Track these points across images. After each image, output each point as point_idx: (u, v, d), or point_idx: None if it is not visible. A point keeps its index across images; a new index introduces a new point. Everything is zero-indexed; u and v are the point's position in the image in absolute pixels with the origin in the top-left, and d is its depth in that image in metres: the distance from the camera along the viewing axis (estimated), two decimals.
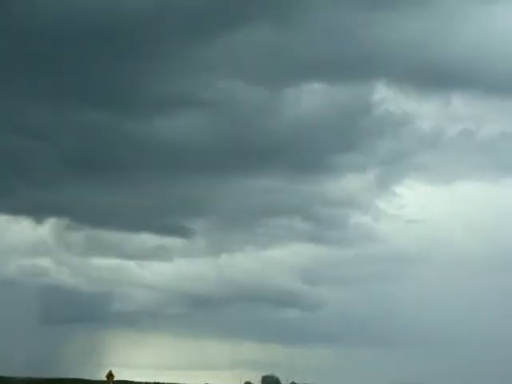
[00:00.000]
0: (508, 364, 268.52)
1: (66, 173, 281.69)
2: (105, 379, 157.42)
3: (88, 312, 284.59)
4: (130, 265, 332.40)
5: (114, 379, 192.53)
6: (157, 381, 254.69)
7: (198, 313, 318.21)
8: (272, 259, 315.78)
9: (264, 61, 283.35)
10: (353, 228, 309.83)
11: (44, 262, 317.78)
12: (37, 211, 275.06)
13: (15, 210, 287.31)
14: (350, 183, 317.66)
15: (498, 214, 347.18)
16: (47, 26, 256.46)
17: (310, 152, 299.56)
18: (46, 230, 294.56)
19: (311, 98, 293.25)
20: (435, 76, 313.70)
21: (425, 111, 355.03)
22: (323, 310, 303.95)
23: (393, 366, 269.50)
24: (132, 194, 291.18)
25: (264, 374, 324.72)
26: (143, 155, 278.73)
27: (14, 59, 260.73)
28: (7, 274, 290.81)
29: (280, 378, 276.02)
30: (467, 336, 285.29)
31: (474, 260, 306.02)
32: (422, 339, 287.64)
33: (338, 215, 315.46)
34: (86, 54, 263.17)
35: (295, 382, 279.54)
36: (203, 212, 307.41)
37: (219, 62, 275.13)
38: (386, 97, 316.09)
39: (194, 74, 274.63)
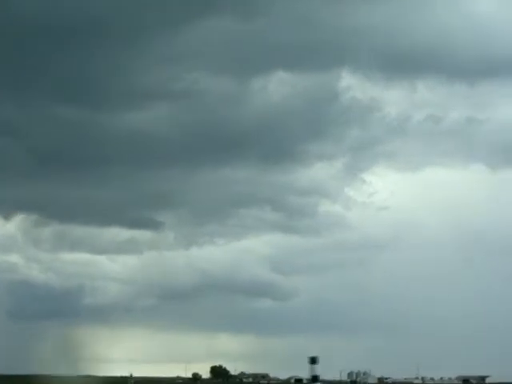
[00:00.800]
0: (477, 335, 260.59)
1: (34, 168, 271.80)
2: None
3: (59, 307, 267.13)
4: (101, 259, 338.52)
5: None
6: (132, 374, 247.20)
7: (171, 305, 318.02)
8: (243, 250, 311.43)
9: (230, 51, 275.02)
10: (323, 216, 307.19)
11: (13, 258, 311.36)
12: (4, 207, 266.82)
13: None
14: (318, 172, 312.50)
15: (465, 198, 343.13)
16: (19, 21, 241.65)
17: (278, 141, 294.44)
18: (13, 225, 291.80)
19: (278, 87, 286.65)
20: (401, 62, 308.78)
21: (391, 98, 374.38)
22: (296, 299, 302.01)
23: (363, 352, 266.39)
24: (101, 188, 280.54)
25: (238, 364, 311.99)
26: (112, 149, 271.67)
27: None
28: None
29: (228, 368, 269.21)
30: (438, 316, 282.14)
31: (442, 242, 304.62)
32: (393, 324, 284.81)
33: (308, 204, 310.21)
34: (57, 49, 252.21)
35: (244, 371, 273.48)
36: (173, 204, 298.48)
37: (186, 54, 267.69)
38: (352, 84, 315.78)
39: (163, 67, 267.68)
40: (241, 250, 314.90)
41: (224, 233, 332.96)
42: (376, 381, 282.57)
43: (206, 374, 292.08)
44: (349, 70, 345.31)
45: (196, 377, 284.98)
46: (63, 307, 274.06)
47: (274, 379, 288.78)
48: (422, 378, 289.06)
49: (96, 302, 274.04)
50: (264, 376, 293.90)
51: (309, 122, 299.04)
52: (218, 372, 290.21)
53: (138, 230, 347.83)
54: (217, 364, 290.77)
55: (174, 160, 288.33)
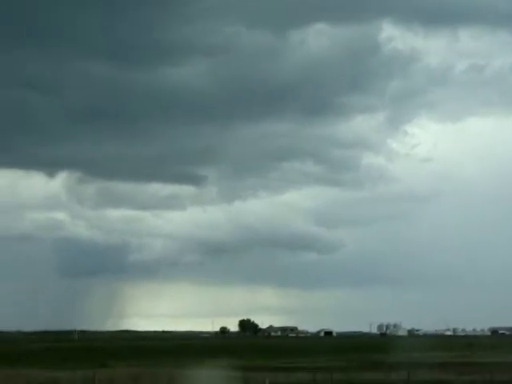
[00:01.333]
0: None
1: (76, 126, 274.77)
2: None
3: (105, 264, 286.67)
4: (145, 215, 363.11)
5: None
6: (175, 329, 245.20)
7: (215, 260, 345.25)
8: (286, 203, 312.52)
9: (267, 3, 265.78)
10: (366, 169, 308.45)
11: (58, 216, 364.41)
12: (47, 165, 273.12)
13: (26, 164, 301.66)
14: (360, 124, 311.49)
15: (508, 148, 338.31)
16: None
17: (318, 94, 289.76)
18: (57, 183, 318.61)
19: (317, 39, 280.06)
20: (442, 12, 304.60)
21: (433, 48, 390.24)
22: (340, 252, 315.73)
23: (398, 304, 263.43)
24: (142, 144, 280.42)
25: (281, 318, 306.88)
26: (150, 104, 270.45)
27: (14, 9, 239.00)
28: (22, 229, 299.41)
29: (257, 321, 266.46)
30: (479, 273, 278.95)
31: (486, 192, 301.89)
32: (433, 276, 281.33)
33: (351, 157, 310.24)
34: (93, 4, 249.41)
35: (272, 324, 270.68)
36: (215, 159, 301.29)
37: (223, 7, 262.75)
38: (393, 35, 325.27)
39: (200, 21, 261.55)
40: (284, 204, 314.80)
41: (267, 186, 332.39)
42: (406, 333, 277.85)
43: (234, 327, 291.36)
44: (389, 21, 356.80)
45: (224, 331, 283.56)
46: (109, 263, 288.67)
47: (302, 332, 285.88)
48: (454, 330, 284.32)
49: (141, 257, 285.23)
50: (292, 329, 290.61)
51: (349, 75, 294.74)
52: (246, 326, 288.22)
53: (181, 185, 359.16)
54: (249, 318, 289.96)
55: (214, 115, 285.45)
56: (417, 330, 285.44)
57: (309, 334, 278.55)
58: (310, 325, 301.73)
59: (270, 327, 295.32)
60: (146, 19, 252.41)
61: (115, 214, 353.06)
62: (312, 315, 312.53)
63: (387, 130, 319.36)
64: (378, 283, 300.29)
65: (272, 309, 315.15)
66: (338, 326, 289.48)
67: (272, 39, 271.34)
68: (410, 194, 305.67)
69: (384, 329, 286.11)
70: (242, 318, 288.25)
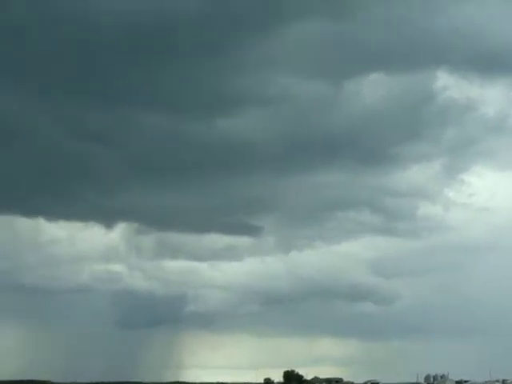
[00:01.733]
0: None
1: (131, 177, 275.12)
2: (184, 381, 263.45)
3: (163, 315, 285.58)
4: (201, 266, 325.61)
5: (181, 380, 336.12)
6: (235, 381, 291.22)
7: (272, 311, 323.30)
8: (343, 253, 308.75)
9: (322, 54, 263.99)
10: (422, 218, 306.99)
11: (116, 268, 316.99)
12: (106, 217, 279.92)
13: (85, 216, 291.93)
14: (416, 173, 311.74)
15: None
16: (100, 28, 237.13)
17: (373, 144, 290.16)
18: (116, 235, 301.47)
19: (372, 89, 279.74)
20: (497, 60, 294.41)
21: (489, 97, 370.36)
22: (398, 302, 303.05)
23: (473, 355, 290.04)
24: (198, 195, 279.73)
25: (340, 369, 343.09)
26: (206, 156, 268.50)
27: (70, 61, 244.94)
28: (81, 281, 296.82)
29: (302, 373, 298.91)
30: None
31: None
32: (500, 327, 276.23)
33: (407, 206, 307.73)
34: (143, 55, 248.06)
35: (317, 376, 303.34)
36: (270, 209, 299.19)
37: (277, 58, 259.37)
38: (449, 84, 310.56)
39: (254, 72, 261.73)
40: (340, 254, 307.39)
41: (323, 236, 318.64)
42: None
43: (278, 378, 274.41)
44: (444, 69, 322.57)
45: (268, 382, 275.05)
46: (167, 315, 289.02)
47: (348, 383, 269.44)
48: (503, 381, 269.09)
49: (199, 309, 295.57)
50: (338, 381, 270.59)
51: (404, 124, 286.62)
52: (290, 377, 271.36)
53: (237, 236, 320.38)
54: (296, 369, 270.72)
55: (268, 165, 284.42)
56: (465, 381, 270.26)
57: None
58: (361, 376, 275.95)
59: (315, 378, 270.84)
60: (202, 71, 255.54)
61: (172, 265, 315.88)
62: (363, 366, 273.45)
63: (444, 178, 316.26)
64: (430, 334, 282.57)
65: (326, 360, 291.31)
66: (387, 378, 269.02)
67: (328, 89, 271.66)
68: (466, 244, 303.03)
69: (431, 380, 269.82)
70: (287, 369, 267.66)
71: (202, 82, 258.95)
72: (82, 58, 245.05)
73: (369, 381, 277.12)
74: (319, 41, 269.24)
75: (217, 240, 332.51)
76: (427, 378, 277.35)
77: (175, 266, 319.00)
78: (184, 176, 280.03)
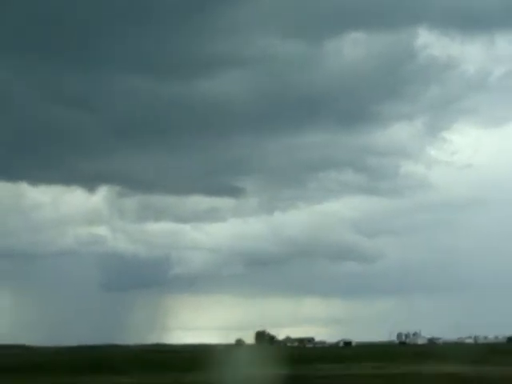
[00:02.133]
0: None
1: (112, 140, 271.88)
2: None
3: (147, 277, 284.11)
4: (185, 228, 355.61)
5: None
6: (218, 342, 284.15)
7: (256, 271, 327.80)
8: (325, 213, 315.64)
9: (302, 14, 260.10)
10: (405, 177, 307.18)
11: (100, 230, 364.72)
12: (88, 180, 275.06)
13: (67, 180, 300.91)
14: (398, 132, 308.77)
15: None
16: None
17: (355, 103, 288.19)
18: (99, 198, 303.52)
19: (352, 48, 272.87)
20: (477, 17, 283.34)
21: (469, 54, 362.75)
22: (381, 261, 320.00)
23: (450, 312, 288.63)
24: (180, 157, 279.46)
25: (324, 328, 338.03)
26: (187, 117, 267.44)
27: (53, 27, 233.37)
28: (65, 244, 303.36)
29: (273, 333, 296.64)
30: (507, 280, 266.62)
31: None
32: (480, 284, 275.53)
33: (389, 165, 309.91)
34: (123, 16, 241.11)
35: (289, 335, 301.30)
36: (252, 170, 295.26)
37: (257, 18, 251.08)
38: (430, 42, 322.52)
39: (233, 32, 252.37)
40: (323, 214, 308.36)
41: (306, 197, 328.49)
42: (426, 341, 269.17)
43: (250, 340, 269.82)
44: (425, 27, 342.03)
45: (239, 343, 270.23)
46: (151, 277, 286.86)
47: (319, 343, 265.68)
48: (475, 338, 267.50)
49: (182, 271, 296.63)
50: (310, 340, 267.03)
51: (385, 83, 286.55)
52: (262, 337, 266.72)
53: (220, 197, 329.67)
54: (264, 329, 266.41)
55: (249, 126, 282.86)
56: (437, 339, 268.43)
57: (326, 345, 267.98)
58: (340, 335, 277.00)
59: (287, 338, 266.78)
60: (181, 32, 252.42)
61: (155, 227, 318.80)
62: (335, 325, 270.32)
63: (425, 136, 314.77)
64: (411, 293, 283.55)
65: (313, 319, 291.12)
66: (361, 336, 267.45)
67: (307, 49, 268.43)
68: (449, 202, 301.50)
69: (403, 337, 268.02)
70: (259, 330, 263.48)
71: (181, 44, 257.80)
72: (60, 18, 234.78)
73: (341, 340, 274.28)
74: (298, 0, 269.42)
75: (200, 202, 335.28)
76: (399, 335, 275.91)
77: (158, 228, 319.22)
78: (165, 138, 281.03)
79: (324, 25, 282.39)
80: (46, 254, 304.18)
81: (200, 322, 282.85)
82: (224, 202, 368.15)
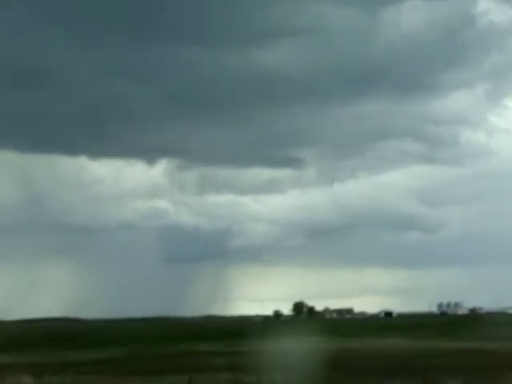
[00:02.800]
0: None
1: (172, 113, 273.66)
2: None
3: (208, 250, 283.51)
4: (245, 199, 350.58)
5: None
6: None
7: (318, 242, 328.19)
8: (386, 183, 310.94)
9: None
10: (466, 145, 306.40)
11: (161, 204, 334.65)
12: (148, 153, 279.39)
13: (127, 153, 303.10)
14: (458, 100, 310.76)
15: None
16: None
17: (414, 72, 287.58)
18: (159, 171, 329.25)
19: (410, 15, 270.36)
20: None
21: None
22: (444, 230, 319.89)
23: (503, 282, 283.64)
24: (238, 129, 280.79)
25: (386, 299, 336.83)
26: (244, 89, 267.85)
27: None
28: (125, 218, 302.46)
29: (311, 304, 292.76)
30: None
31: None
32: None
33: (449, 133, 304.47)
34: None
35: (328, 307, 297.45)
36: (311, 141, 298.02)
37: None
38: (489, 7, 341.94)
39: (289, 1, 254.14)
40: (383, 184, 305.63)
41: (365, 166, 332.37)
42: (467, 311, 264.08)
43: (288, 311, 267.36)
44: None
45: (277, 314, 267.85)
46: (212, 249, 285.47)
47: (358, 314, 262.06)
48: None
49: (244, 242, 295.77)
50: (349, 311, 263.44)
51: (444, 51, 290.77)
52: (300, 308, 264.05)
53: (279, 168, 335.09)
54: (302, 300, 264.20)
55: (306, 97, 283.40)
56: (479, 309, 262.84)
57: (366, 316, 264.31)
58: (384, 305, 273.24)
59: (326, 309, 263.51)
60: (237, 2, 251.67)
61: (216, 199, 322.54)
62: (378, 295, 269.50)
63: (486, 104, 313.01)
64: (467, 262, 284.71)
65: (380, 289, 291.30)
66: (405, 307, 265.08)
67: (364, 17, 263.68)
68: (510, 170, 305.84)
69: (444, 308, 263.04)
70: (297, 301, 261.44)
71: (237, 14, 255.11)
72: None
73: (382, 311, 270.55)
74: None
75: (259, 173, 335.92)
76: (440, 306, 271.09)
77: (219, 200, 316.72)
78: (224, 110, 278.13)
79: None
80: (106, 227, 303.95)
81: (261, 293, 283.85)
82: (283, 173, 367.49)
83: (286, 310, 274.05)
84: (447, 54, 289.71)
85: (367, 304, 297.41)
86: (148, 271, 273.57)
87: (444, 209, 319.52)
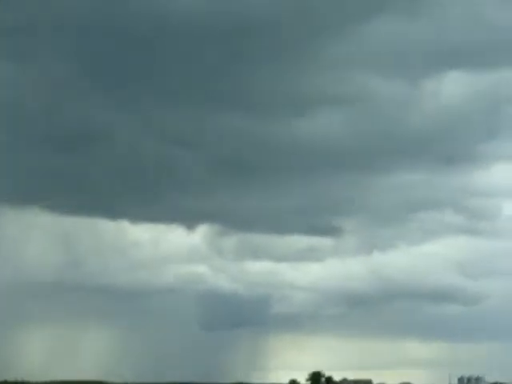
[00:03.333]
0: None
1: (212, 179, 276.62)
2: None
3: (246, 316, 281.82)
4: (283, 267, 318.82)
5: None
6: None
7: (357, 312, 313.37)
8: (426, 254, 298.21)
9: (400, 53, 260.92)
10: (507, 218, 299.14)
11: (200, 269, 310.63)
12: (188, 219, 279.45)
13: (168, 218, 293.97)
14: (500, 172, 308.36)
15: None
16: (184, 28, 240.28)
17: (455, 143, 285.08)
18: (198, 236, 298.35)
19: (452, 87, 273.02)
20: None
21: None
22: (486, 303, 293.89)
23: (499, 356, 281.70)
24: (278, 197, 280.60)
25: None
26: (286, 157, 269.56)
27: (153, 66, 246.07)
28: (165, 282, 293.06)
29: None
30: None
31: None
32: None
33: (491, 206, 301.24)
34: (222, 57, 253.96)
35: (346, 377, 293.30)
36: (351, 210, 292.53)
37: (355, 56, 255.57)
38: None
39: (331, 70, 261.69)
40: (424, 254, 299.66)
41: (405, 236, 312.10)
42: None
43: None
44: None
45: (293, 382, 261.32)
46: (250, 316, 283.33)
47: None
48: None
49: (282, 310, 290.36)
50: (367, 382, 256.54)
51: (487, 123, 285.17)
52: (317, 378, 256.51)
53: (318, 236, 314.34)
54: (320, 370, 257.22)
55: (347, 166, 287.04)
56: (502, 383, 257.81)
57: None
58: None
59: (344, 380, 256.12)
60: (278, 71, 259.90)
61: (255, 266, 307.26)
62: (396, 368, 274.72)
63: None
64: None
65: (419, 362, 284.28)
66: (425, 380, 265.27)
67: (406, 88, 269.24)
68: None
69: (465, 381, 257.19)
70: (315, 371, 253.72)
71: (278, 82, 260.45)
72: (160, 61, 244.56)
73: (402, 383, 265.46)
74: (396, 38, 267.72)
75: (298, 241, 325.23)
76: (461, 380, 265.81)
77: (258, 266, 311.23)
78: (264, 177, 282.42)
79: (423, 64, 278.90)
80: (145, 291, 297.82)
81: (300, 362, 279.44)
82: (323, 242, 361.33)
83: (303, 379, 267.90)
84: (489, 125, 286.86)
85: (387, 376, 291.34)
86: (186, 336, 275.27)
87: (484, 281, 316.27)
